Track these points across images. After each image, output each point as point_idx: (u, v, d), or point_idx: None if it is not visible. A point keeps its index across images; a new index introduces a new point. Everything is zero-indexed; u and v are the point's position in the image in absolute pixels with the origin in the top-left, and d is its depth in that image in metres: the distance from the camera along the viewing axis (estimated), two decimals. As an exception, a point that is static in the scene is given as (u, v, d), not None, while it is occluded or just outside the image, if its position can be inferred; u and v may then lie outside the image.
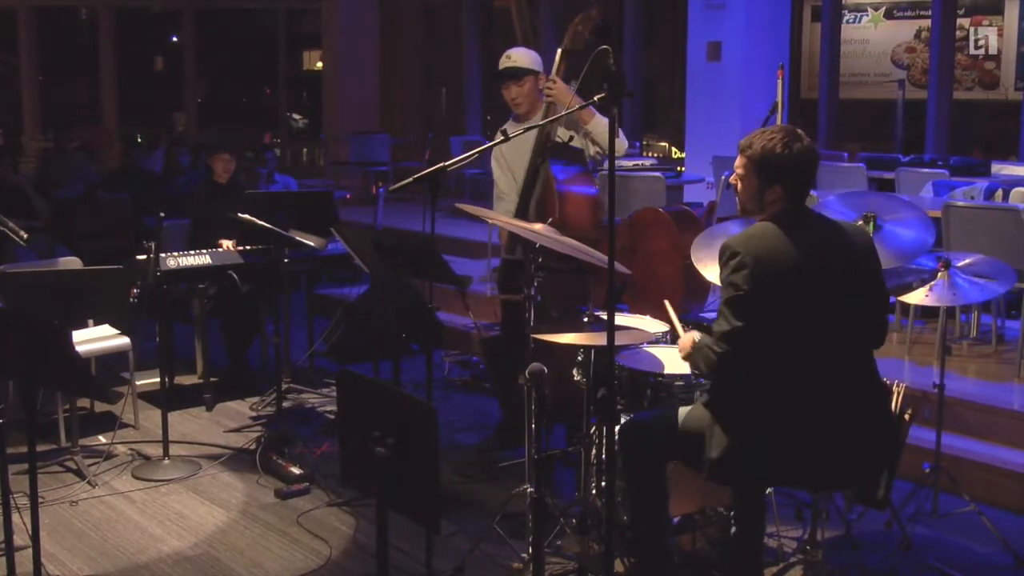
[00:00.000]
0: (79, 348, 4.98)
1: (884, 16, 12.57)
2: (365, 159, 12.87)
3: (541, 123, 4.47)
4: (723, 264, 3.17)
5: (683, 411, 3.39)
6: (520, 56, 4.85)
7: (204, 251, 5.71)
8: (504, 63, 4.85)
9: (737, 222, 4.21)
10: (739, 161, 3.26)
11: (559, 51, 4.70)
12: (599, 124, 4.58)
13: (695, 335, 3.31)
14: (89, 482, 4.74)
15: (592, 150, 4.68)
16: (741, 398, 3.17)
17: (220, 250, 5.76)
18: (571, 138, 4.67)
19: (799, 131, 3.23)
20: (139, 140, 14.37)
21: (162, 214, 5.65)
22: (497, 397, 5.28)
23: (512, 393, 4.88)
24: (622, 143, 4.63)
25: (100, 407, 5.76)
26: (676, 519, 3.61)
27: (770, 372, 3.14)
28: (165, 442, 4.96)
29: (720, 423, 3.17)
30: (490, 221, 4.62)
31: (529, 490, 3.77)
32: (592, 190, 4.64)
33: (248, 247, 5.79)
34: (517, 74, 4.79)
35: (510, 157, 4.84)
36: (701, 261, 4.08)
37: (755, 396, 3.15)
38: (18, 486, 4.19)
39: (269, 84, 16.94)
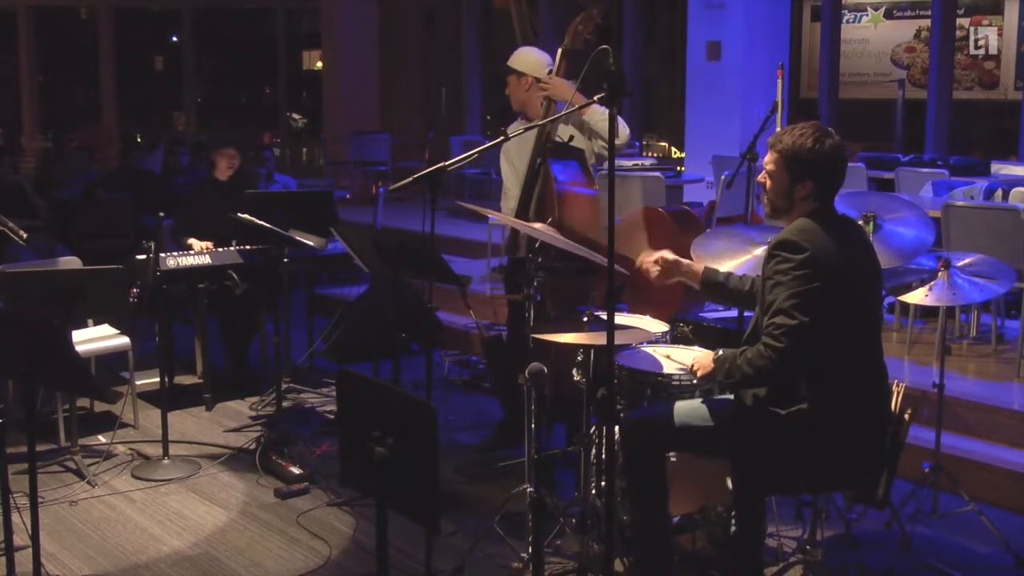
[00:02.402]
0: (79, 348, 4.98)
1: (884, 16, 12.56)
2: (365, 159, 12.88)
3: (542, 122, 4.46)
4: (784, 259, 3.09)
5: (680, 405, 3.39)
6: (516, 56, 4.90)
7: (204, 251, 5.72)
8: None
9: (739, 224, 4.21)
10: (769, 157, 3.25)
11: (559, 51, 4.70)
12: (596, 113, 4.57)
13: (709, 351, 3.29)
14: (89, 482, 4.74)
15: (596, 146, 4.67)
16: (798, 402, 3.11)
17: (220, 250, 5.76)
18: (571, 137, 4.65)
19: (830, 128, 3.24)
20: (139, 140, 14.37)
21: (162, 214, 5.65)
22: (498, 397, 5.28)
23: (515, 392, 4.89)
24: (624, 131, 4.61)
25: (100, 407, 5.76)
26: (676, 519, 3.61)
27: (831, 372, 3.10)
28: (165, 442, 4.96)
29: (773, 432, 3.13)
30: (494, 219, 4.62)
31: (529, 490, 3.77)
32: (592, 191, 4.61)
33: (248, 247, 5.78)
34: (507, 71, 4.87)
35: (516, 155, 4.86)
36: (701, 261, 4.07)
37: (818, 398, 3.10)
38: (18, 486, 4.19)
39: (269, 84, 16.93)
